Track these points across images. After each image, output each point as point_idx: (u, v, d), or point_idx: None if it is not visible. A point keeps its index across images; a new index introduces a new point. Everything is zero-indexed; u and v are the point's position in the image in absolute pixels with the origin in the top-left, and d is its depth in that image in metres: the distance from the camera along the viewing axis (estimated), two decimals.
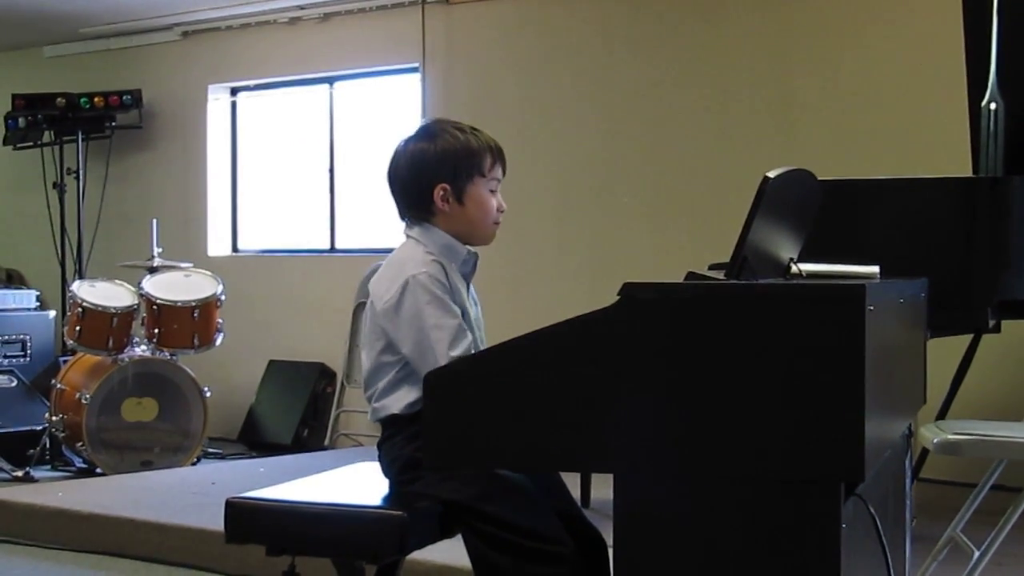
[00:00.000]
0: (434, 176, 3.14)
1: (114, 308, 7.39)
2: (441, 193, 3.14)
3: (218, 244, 9.52)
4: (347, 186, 9.05)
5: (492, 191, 3.20)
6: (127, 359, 7.36)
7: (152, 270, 7.72)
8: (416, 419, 3.00)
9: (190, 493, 6.20)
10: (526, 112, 7.91)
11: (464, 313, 3.08)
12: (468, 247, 3.19)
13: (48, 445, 7.52)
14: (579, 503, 3.54)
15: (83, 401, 7.16)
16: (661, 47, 7.47)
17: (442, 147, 3.15)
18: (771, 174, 2.59)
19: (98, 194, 9.46)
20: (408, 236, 3.20)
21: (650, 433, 2.31)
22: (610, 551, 2.44)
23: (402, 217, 3.24)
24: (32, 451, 7.41)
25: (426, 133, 3.20)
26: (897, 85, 6.62)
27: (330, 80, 9.09)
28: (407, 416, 3.06)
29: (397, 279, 3.04)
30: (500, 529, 2.90)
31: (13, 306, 8.83)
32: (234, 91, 9.62)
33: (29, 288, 9.46)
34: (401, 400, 3.08)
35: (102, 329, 7.36)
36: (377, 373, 3.12)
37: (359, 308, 7.34)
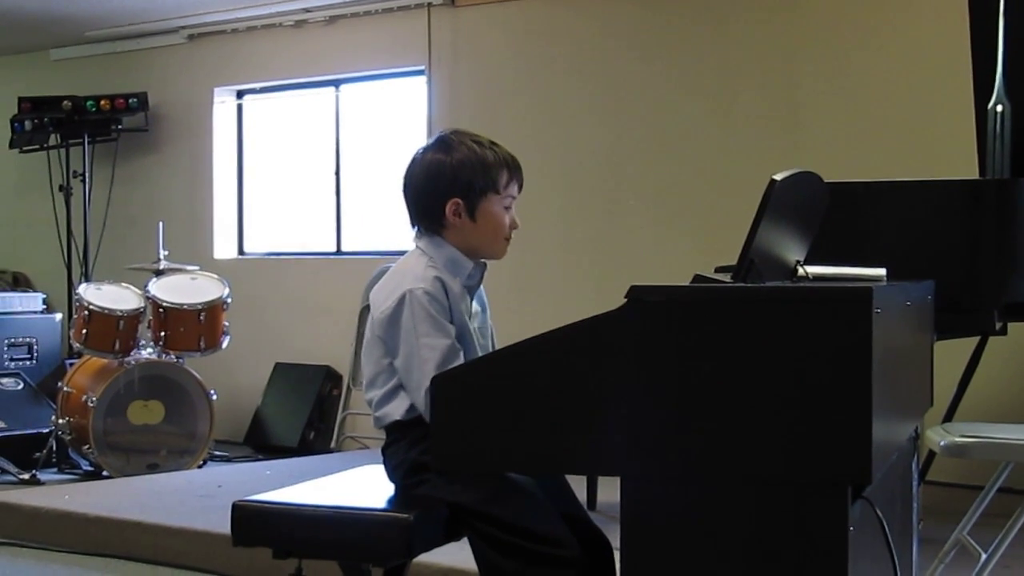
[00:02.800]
0: (448, 190, 3.12)
1: (120, 311, 7.39)
2: (453, 208, 3.12)
3: (224, 247, 9.53)
4: (353, 188, 9.06)
5: (506, 208, 3.18)
6: (133, 362, 7.36)
7: (158, 273, 7.72)
8: (417, 424, 3.02)
9: (196, 496, 6.20)
10: (532, 115, 7.91)
11: (463, 330, 3.08)
12: (475, 261, 3.18)
13: (55, 448, 7.52)
14: (585, 506, 3.55)
15: (89, 404, 7.17)
16: (667, 50, 7.47)
17: (458, 160, 3.12)
18: (778, 177, 2.59)
19: (104, 197, 9.48)
20: (416, 245, 3.19)
21: (657, 436, 2.31)
22: (616, 554, 2.44)
23: (413, 225, 3.23)
24: (39, 454, 7.41)
25: (443, 144, 3.17)
26: (903, 87, 6.61)
27: (336, 83, 9.09)
28: (408, 422, 3.07)
29: (396, 291, 3.04)
30: (506, 532, 2.90)
31: (20, 309, 8.83)
32: (240, 94, 9.63)
33: (35, 291, 9.47)
34: (400, 406, 3.08)
35: (108, 332, 7.36)
36: (376, 379, 3.12)
37: (365, 310, 7.34)
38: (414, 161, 3.21)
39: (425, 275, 3.06)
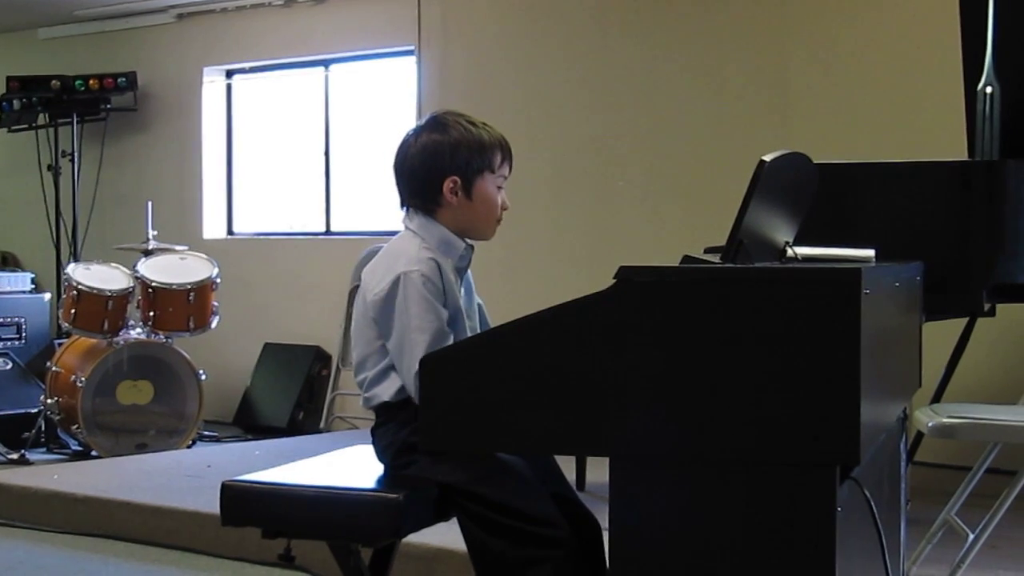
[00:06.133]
0: (446, 168, 3.12)
1: (109, 291, 7.38)
2: (451, 186, 3.12)
3: (213, 227, 9.51)
4: (342, 169, 9.04)
5: (499, 187, 3.19)
6: (122, 342, 7.35)
7: (147, 253, 7.71)
8: (406, 405, 3.02)
9: (185, 476, 6.21)
10: (522, 95, 7.90)
11: (456, 313, 3.08)
12: (466, 241, 3.18)
13: (43, 428, 7.52)
14: (574, 486, 3.55)
15: (78, 384, 7.16)
16: (657, 30, 7.46)
17: (455, 139, 3.13)
18: (767, 158, 2.59)
19: (93, 177, 9.45)
20: (407, 227, 3.18)
21: (646, 416, 2.32)
22: (605, 534, 2.44)
23: (403, 206, 3.22)
24: (27, 434, 7.42)
25: (437, 124, 3.17)
26: (893, 69, 6.61)
27: (325, 63, 9.07)
28: (398, 403, 3.07)
29: (390, 272, 3.04)
30: (495, 512, 2.90)
31: (8, 289, 8.80)
32: (229, 74, 9.60)
33: (24, 271, 9.43)
34: (390, 388, 3.08)
35: (97, 312, 7.36)
36: (367, 361, 3.13)
37: (354, 291, 7.32)
38: (407, 143, 3.20)
39: (420, 256, 3.06)
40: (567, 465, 3.49)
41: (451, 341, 2.99)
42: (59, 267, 8.94)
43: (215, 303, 7.61)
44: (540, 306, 2.39)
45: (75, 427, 7.25)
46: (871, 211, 4.25)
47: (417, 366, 2.60)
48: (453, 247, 3.15)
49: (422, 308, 2.99)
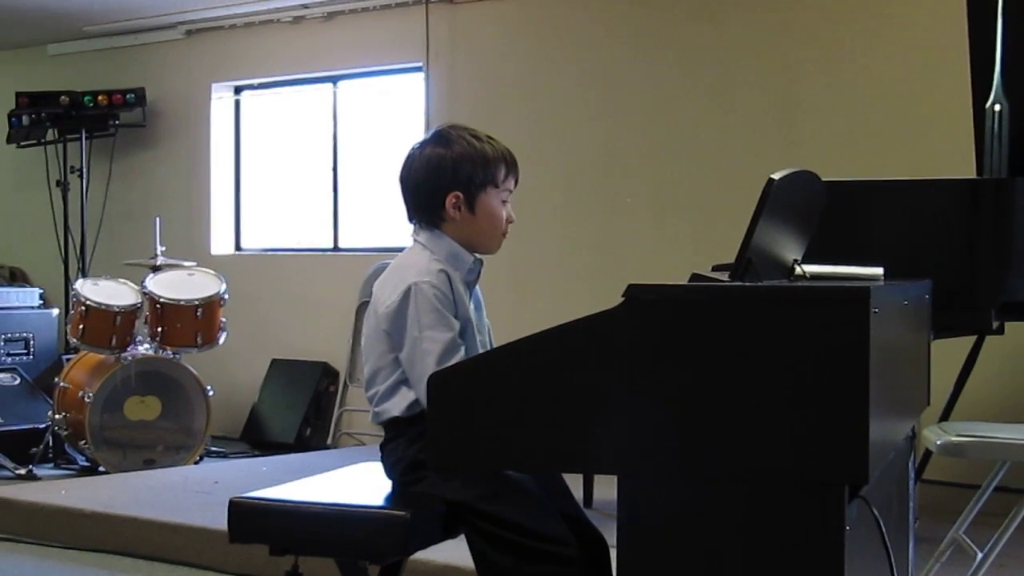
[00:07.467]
0: (448, 183, 3.14)
1: (117, 307, 7.39)
2: (453, 201, 3.13)
3: (221, 243, 9.53)
4: (350, 185, 9.06)
5: (504, 202, 3.20)
6: (130, 358, 7.36)
7: (155, 268, 7.72)
8: (417, 421, 3.02)
9: (193, 492, 6.20)
10: (530, 111, 7.91)
11: (466, 324, 3.09)
12: (474, 255, 3.19)
13: (51, 443, 7.52)
14: (581, 503, 3.55)
15: (86, 399, 7.17)
16: (665, 46, 7.47)
17: (458, 154, 3.14)
18: (776, 176, 2.59)
19: (101, 192, 9.47)
20: (416, 240, 3.20)
21: (654, 435, 2.31)
22: (612, 551, 2.43)
23: (410, 220, 3.23)
24: (35, 449, 7.42)
25: (442, 139, 3.19)
26: (901, 86, 6.61)
27: (334, 79, 9.09)
28: (408, 418, 3.07)
29: (401, 284, 3.05)
30: (503, 529, 2.90)
31: (16, 304, 8.83)
32: (238, 90, 9.62)
33: (32, 286, 9.46)
34: (401, 402, 3.09)
35: (105, 327, 7.36)
36: (378, 375, 3.13)
37: (362, 307, 7.34)
38: (412, 156, 3.22)
39: (430, 268, 3.07)
40: (574, 483, 3.49)
41: (463, 351, 3.01)
42: (67, 283, 8.95)
43: (223, 319, 7.61)
44: (547, 323, 2.39)
45: (83, 443, 7.25)
46: (879, 229, 4.25)
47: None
48: (461, 260, 3.16)
49: (433, 318, 3.00)
